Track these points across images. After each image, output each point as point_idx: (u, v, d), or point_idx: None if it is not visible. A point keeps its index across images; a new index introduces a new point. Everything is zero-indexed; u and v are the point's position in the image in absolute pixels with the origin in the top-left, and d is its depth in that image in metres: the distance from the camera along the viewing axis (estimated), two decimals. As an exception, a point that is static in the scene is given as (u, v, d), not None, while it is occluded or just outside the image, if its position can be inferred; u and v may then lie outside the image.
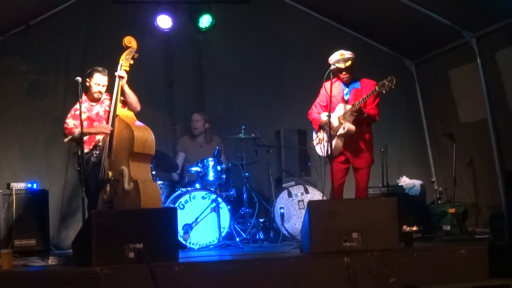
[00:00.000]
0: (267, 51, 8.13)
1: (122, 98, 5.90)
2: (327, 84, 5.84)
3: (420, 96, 8.22)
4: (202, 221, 6.33)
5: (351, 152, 5.94)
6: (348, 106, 5.86)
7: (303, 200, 7.08)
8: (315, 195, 7.08)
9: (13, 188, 6.44)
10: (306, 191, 7.16)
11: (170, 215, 5.00)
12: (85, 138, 5.75)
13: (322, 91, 6.04)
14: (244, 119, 7.57)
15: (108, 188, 5.68)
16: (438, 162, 8.06)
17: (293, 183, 7.26)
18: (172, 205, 6.24)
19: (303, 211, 6.81)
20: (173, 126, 7.61)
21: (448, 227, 6.79)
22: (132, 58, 5.97)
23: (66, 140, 5.94)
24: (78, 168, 5.85)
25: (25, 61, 7.40)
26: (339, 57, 5.85)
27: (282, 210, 7.07)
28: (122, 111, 5.89)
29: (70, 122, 5.88)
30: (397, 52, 8.20)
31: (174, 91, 7.88)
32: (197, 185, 6.63)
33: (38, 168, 7.23)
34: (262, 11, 8.07)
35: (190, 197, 6.35)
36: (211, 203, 6.40)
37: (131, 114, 5.93)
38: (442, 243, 6.18)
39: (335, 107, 5.92)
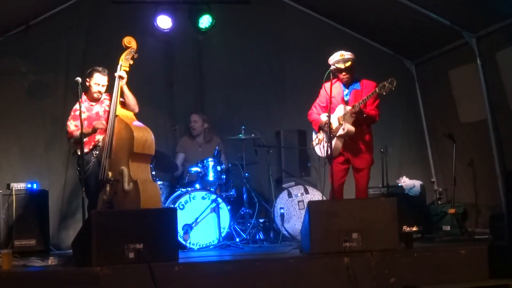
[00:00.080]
0: (267, 51, 8.13)
1: (121, 99, 5.90)
2: (327, 85, 5.83)
3: (420, 97, 8.22)
4: (202, 222, 6.33)
5: (351, 153, 5.94)
6: (348, 107, 5.86)
7: (303, 201, 7.08)
8: (315, 195, 7.08)
9: (13, 188, 6.44)
10: (306, 192, 7.16)
11: (170, 215, 5.01)
12: (85, 139, 5.76)
13: (322, 92, 6.04)
14: (244, 119, 7.57)
15: (108, 188, 5.68)
16: (438, 162, 8.06)
17: (293, 183, 7.26)
18: (172, 205, 6.24)
19: (303, 212, 6.81)
20: (173, 126, 7.61)
21: (448, 228, 6.79)
22: (132, 58, 5.98)
23: (70, 142, 5.97)
24: (78, 168, 5.86)
25: (25, 61, 7.40)
26: (339, 58, 5.85)
27: (282, 211, 7.07)
28: (122, 112, 5.89)
29: (71, 124, 5.89)
30: (397, 52, 8.20)
31: (174, 91, 7.88)
32: (197, 186, 6.63)
33: (38, 168, 7.23)
34: (262, 11, 8.07)
35: (190, 197, 6.35)
36: (211, 203, 6.40)
37: (131, 114, 5.93)
38: (442, 244, 6.18)
39: (335, 108, 5.92)
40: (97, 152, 5.88)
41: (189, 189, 6.50)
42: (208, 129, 7.37)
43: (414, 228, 6.50)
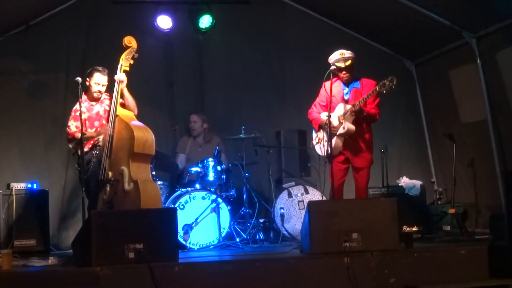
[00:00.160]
0: (267, 51, 8.13)
1: (120, 100, 5.91)
2: (327, 84, 5.83)
3: (420, 97, 8.22)
4: (202, 222, 6.33)
5: (351, 152, 5.94)
6: (348, 106, 5.86)
7: (303, 201, 7.08)
8: (315, 195, 7.08)
9: (13, 188, 6.44)
10: (306, 192, 7.16)
11: (170, 215, 5.00)
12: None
13: (322, 91, 6.04)
14: (244, 120, 7.57)
15: (108, 189, 5.68)
16: (438, 162, 8.06)
17: (293, 183, 7.26)
18: (172, 206, 6.24)
19: (303, 212, 6.80)
20: (173, 126, 7.61)
21: (448, 228, 6.79)
22: (132, 58, 5.98)
23: (71, 145, 5.96)
24: (78, 168, 5.86)
25: (25, 61, 7.40)
26: (339, 56, 5.85)
27: (282, 211, 7.07)
28: (122, 111, 5.88)
29: (73, 126, 5.89)
30: (397, 52, 8.20)
31: (174, 91, 7.88)
32: (197, 186, 6.63)
33: (38, 168, 7.23)
34: (262, 11, 8.07)
35: (190, 197, 6.35)
36: (211, 203, 6.40)
37: (131, 114, 5.93)
38: (442, 244, 6.18)
39: (335, 106, 5.92)
40: (97, 152, 5.88)
41: (189, 189, 6.50)
42: (207, 129, 7.37)
43: (414, 228, 6.49)
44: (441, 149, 7.89)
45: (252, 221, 6.77)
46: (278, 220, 7.05)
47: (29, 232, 6.39)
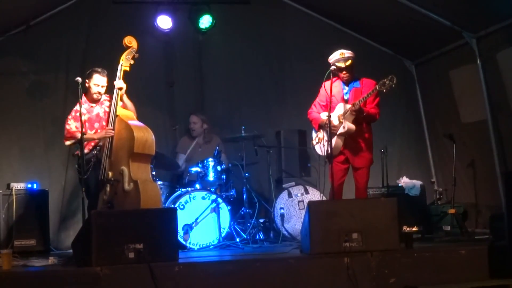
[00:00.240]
0: (267, 52, 8.13)
1: (120, 103, 5.91)
2: (326, 84, 5.83)
3: (420, 97, 8.22)
4: (202, 222, 6.34)
5: (351, 152, 5.94)
6: (348, 106, 5.86)
7: (303, 201, 7.08)
8: (315, 195, 7.08)
9: (13, 188, 6.44)
10: (306, 192, 7.16)
11: (170, 215, 5.00)
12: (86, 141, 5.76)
13: (322, 90, 6.03)
14: (244, 120, 7.57)
15: (108, 189, 5.68)
16: (438, 162, 8.06)
17: (293, 183, 7.26)
18: (172, 206, 6.24)
19: (303, 212, 6.81)
20: (173, 126, 7.61)
21: (448, 228, 6.79)
22: (133, 58, 5.98)
23: (67, 143, 5.95)
24: (78, 169, 5.85)
25: (25, 61, 7.40)
26: (339, 56, 5.85)
27: (282, 211, 7.07)
28: (122, 111, 5.89)
29: (72, 125, 5.88)
30: (397, 52, 8.20)
31: (174, 91, 7.87)
32: (197, 186, 6.63)
33: (38, 168, 7.23)
34: (262, 12, 8.07)
35: (190, 197, 6.35)
36: (211, 203, 6.40)
37: (131, 114, 5.93)
38: (442, 244, 6.18)
39: (335, 106, 5.92)
40: (97, 152, 5.87)
41: (189, 189, 6.51)
42: (207, 130, 7.37)
43: (414, 228, 6.49)
44: (441, 149, 7.89)
45: (252, 221, 6.77)
46: (278, 220, 7.05)
47: (29, 232, 6.39)
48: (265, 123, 7.86)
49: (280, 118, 8.01)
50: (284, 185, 7.28)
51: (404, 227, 6.33)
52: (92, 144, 5.90)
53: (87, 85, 5.95)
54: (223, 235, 6.37)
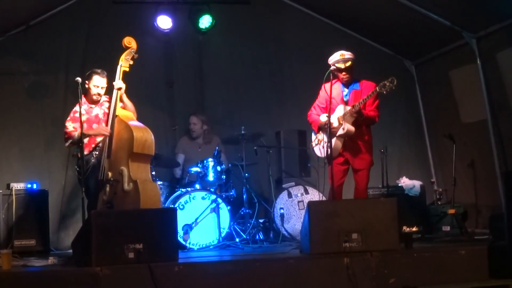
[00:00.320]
0: (267, 52, 8.13)
1: (120, 104, 5.91)
2: (326, 86, 5.82)
3: (420, 97, 8.22)
4: (202, 222, 6.33)
5: (350, 153, 5.94)
6: (348, 107, 5.86)
7: (303, 201, 7.08)
8: (315, 195, 7.08)
9: (13, 189, 6.44)
10: (306, 192, 7.16)
11: (170, 215, 5.00)
12: (85, 140, 5.75)
13: (322, 92, 6.03)
14: (244, 120, 7.57)
15: (107, 189, 5.68)
16: (438, 162, 8.06)
17: (293, 183, 7.26)
18: (172, 206, 6.24)
19: (303, 212, 6.80)
20: (173, 126, 7.61)
21: (448, 228, 6.79)
22: (132, 58, 5.98)
23: (67, 144, 5.95)
24: (78, 169, 5.84)
25: (25, 61, 7.40)
26: (339, 58, 5.85)
27: (282, 211, 7.07)
28: (122, 112, 5.88)
29: (70, 125, 5.88)
30: (397, 53, 8.20)
31: (174, 91, 7.88)
32: (197, 186, 6.63)
33: (38, 168, 7.23)
34: (262, 12, 8.07)
35: (190, 197, 6.35)
36: (211, 203, 6.40)
37: (130, 114, 5.93)
38: (442, 244, 6.17)
39: (335, 108, 5.91)
40: (97, 153, 5.87)
41: (189, 189, 6.50)
42: (207, 131, 7.37)
43: (414, 229, 6.50)
44: (441, 149, 7.89)
45: (252, 221, 6.77)
46: (278, 220, 7.05)
47: (29, 232, 6.40)
48: (265, 123, 7.86)
49: (280, 118, 8.01)
50: (284, 185, 7.28)
51: (404, 227, 6.33)
52: (92, 145, 5.89)
53: (86, 86, 5.94)
54: (223, 235, 6.37)
